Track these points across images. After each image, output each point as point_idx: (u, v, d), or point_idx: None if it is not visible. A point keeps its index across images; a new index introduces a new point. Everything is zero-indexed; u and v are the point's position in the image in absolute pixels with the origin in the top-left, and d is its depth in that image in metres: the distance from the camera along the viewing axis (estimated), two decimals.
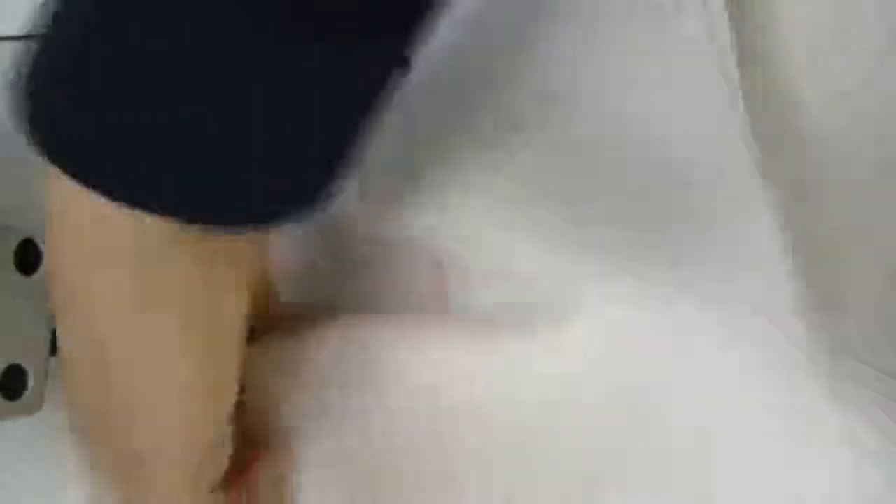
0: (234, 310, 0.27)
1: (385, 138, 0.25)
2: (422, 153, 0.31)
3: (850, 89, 0.31)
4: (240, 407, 0.28)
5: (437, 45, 0.24)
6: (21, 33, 0.44)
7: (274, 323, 0.32)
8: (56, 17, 0.23)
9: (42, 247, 0.33)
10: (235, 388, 0.28)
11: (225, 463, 0.29)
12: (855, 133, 0.31)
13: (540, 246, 0.29)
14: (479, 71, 0.31)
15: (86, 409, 0.28)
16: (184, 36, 0.20)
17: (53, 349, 0.34)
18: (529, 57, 0.30)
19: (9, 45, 0.46)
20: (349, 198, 0.31)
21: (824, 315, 0.29)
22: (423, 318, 0.31)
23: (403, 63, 0.24)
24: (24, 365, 0.32)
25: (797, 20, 0.31)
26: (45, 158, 0.23)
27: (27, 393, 0.32)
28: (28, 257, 0.32)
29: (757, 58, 0.31)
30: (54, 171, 0.23)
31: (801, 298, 0.29)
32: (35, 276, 0.33)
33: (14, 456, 0.43)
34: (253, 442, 0.31)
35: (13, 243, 0.32)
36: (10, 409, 0.32)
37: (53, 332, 0.34)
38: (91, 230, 0.24)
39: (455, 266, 0.31)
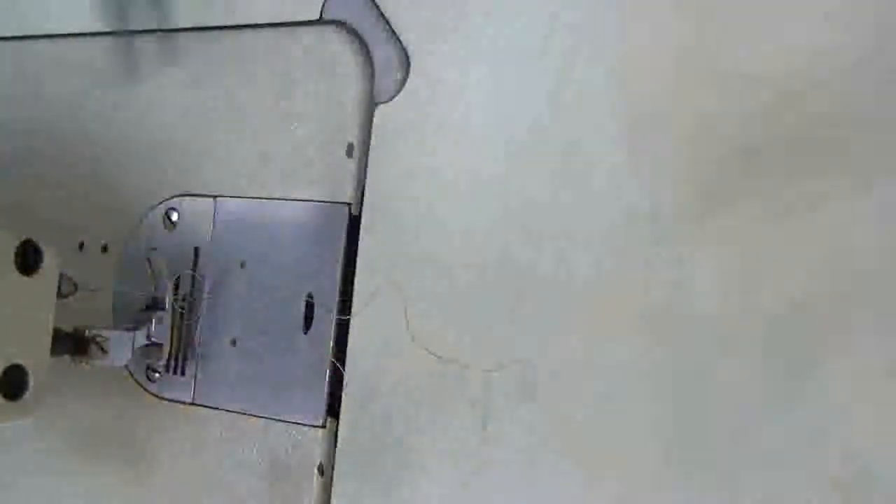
0: None
1: None
2: None
3: None
4: None
5: None
6: (21, 33, 0.44)
7: None
8: None
9: (42, 247, 0.33)
10: None
11: None
12: None
13: None
14: None
15: None
16: None
17: (53, 349, 0.34)
18: None
19: (9, 45, 0.46)
20: None
21: None
22: None
23: None
24: (24, 365, 0.32)
25: None
26: None
27: (27, 393, 0.32)
28: (28, 257, 0.32)
29: None
30: None
31: None
32: (35, 276, 0.33)
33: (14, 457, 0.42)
34: None
35: (13, 243, 0.32)
36: (10, 410, 0.32)
37: (53, 332, 0.34)
38: None
39: None
